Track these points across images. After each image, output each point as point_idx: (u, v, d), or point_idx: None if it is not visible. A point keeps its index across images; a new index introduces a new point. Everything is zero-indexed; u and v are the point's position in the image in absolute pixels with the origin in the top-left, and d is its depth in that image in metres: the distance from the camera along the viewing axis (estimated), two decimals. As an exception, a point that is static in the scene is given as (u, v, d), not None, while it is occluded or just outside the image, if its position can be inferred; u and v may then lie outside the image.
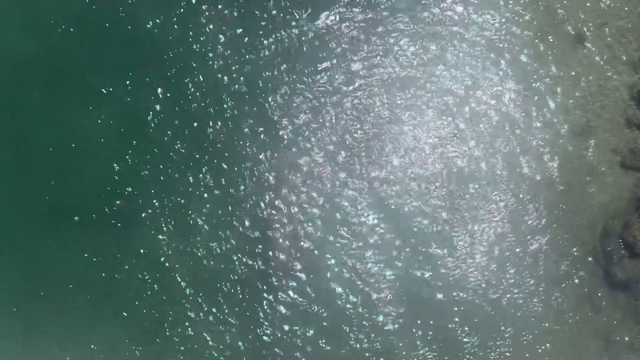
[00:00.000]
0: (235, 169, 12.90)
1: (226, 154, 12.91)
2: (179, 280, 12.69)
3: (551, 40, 13.11)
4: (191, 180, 12.87)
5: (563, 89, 13.06)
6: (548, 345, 12.58)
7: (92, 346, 12.69)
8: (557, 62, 13.09)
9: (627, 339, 12.65)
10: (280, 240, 12.74)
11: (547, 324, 12.63)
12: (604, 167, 12.96)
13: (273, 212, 12.81)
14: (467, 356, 12.55)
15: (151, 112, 12.89)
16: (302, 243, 12.74)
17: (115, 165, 12.84)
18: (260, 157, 12.89)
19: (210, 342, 12.59)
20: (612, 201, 12.90)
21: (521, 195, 12.87)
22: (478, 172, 12.87)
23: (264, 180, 12.87)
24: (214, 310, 12.67)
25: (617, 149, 13.00)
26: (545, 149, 12.93)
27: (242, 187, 12.86)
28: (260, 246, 12.73)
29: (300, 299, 12.63)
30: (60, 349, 12.77)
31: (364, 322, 12.56)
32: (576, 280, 12.73)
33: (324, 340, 12.52)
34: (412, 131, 12.97)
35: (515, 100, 13.00)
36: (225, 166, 12.89)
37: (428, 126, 12.99)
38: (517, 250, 12.75)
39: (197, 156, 12.90)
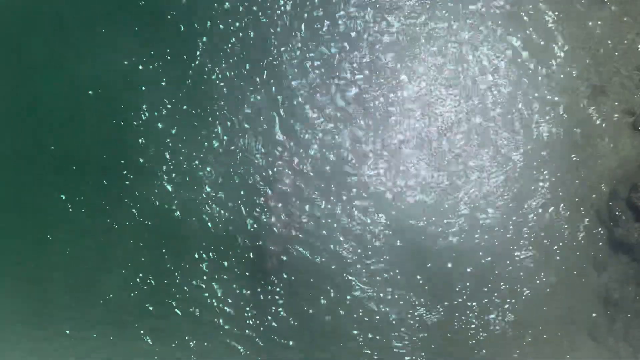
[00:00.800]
0: (247, 122, 12.98)
1: (236, 106, 12.96)
2: (187, 231, 12.99)
3: (571, -2, 12.74)
4: (202, 132, 12.99)
5: (580, 49, 12.73)
6: (546, 303, 12.69)
7: (96, 296, 13.09)
8: (577, 22, 12.73)
9: (627, 301, 12.65)
10: (289, 192, 12.89)
11: (546, 283, 12.69)
12: (615, 128, 12.69)
13: (284, 164, 12.92)
14: (463, 311, 12.74)
15: (161, 62, 12.94)
16: (308, 196, 12.88)
17: (125, 115, 12.99)
18: (273, 109, 12.93)
19: (217, 293, 12.95)
20: (621, 164, 12.71)
21: (528, 153, 12.76)
22: (486, 128, 12.75)
23: (275, 132, 12.93)
24: (222, 262, 12.98)
25: (629, 111, 12.73)
26: (557, 109, 12.70)
27: (254, 141, 12.96)
28: (269, 200, 12.90)
29: (305, 250, 12.86)
30: (63, 297, 13.21)
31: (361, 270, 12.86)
32: (579, 241, 12.70)
33: (328, 291, 12.86)
34: (423, 85, 12.89)
35: (530, 59, 12.70)
36: (235, 119, 12.97)
37: (439, 81, 12.85)
38: (520, 207, 12.73)
39: (208, 108, 12.98)
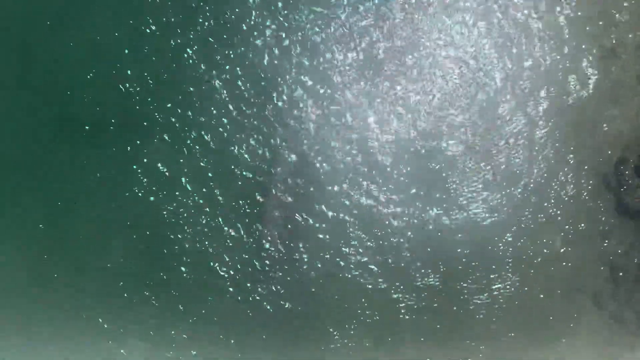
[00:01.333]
0: (256, 84, 12.65)
1: (243, 70, 12.65)
2: (191, 195, 12.83)
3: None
4: (210, 95, 12.66)
5: (593, 6, 12.36)
6: (551, 269, 12.63)
7: (96, 259, 12.97)
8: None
9: (632, 268, 12.62)
10: (294, 158, 12.71)
11: (551, 248, 12.61)
12: (626, 93, 12.44)
13: (293, 129, 12.71)
14: (466, 275, 12.70)
15: (165, 24, 12.63)
16: (314, 161, 12.72)
17: (131, 78, 12.65)
18: (286, 67, 12.64)
19: (222, 256, 12.85)
20: (631, 129, 12.49)
21: (534, 116, 12.49)
22: (493, 90, 12.46)
23: (289, 96, 12.67)
24: (231, 225, 12.83)
25: (640, 76, 12.51)
26: (567, 69, 12.39)
27: (264, 105, 12.67)
28: (276, 166, 12.72)
29: (307, 215, 12.79)
30: (62, 261, 13.09)
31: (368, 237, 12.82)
32: (585, 206, 12.56)
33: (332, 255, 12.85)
34: (430, 45, 12.56)
35: (545, 18, 12.34)
36: (241, 84, 12.65)
37: (444, 42, 12.51)
38: (525, 171, 12.55)
39: (215, 72, 12.63)
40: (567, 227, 12.62)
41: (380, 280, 12.75)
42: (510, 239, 12.61)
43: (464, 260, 12.67)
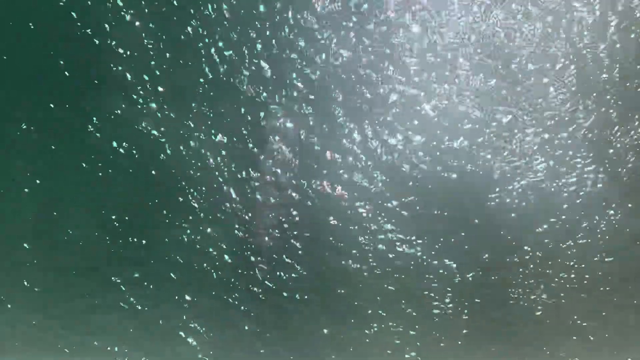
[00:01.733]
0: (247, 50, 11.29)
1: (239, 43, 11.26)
2: (177, 166, 11.27)
3: None
4: (197, 53, 11.17)
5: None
6: (585, 248, 11.68)
7: (63, 236, 11.30)
8: None
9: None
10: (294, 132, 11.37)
11: (585, 221, 11.65)
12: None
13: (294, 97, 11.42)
14: (491, 255, 11.66)
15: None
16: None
17: (111, 32, 11.05)
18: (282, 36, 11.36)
19: (210, 238, 11.39)
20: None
21: (564, 64, 11.50)
22: (520, 36, 11.36)
23: (287, 56, 11.40)
24: (217, 202, 11.36)
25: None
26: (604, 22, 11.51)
27: (254, 68, 11.39)
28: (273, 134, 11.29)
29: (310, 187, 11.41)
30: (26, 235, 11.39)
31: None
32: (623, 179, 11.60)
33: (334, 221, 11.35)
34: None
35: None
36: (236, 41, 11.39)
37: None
38: (559, 141, 11.50)
39: (206, 32, 11.13)
40: (600, 200, 11.63)
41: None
42: (538, 215, 11.58)
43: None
